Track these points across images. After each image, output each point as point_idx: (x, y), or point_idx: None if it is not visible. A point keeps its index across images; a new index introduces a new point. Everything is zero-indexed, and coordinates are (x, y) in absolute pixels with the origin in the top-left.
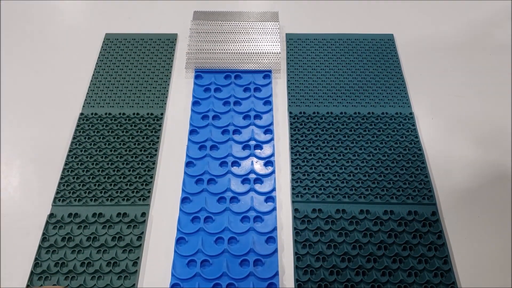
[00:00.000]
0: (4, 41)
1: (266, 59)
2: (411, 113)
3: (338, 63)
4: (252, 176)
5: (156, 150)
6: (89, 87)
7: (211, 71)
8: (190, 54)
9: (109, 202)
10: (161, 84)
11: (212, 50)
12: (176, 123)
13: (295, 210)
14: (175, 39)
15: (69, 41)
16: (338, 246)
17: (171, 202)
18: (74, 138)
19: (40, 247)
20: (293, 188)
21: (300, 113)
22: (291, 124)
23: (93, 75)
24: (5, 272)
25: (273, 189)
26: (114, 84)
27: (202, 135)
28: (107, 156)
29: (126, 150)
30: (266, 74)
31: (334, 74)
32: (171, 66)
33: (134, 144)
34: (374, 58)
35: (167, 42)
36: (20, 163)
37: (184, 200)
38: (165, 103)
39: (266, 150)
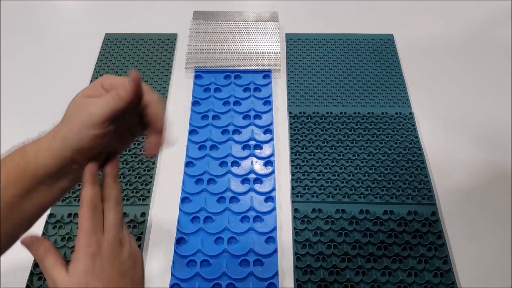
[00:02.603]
0: (4, 41)
1: (266, 59)
2: (411, 113)
3: (338, 63)
4: (252, 176)
5: None
6: None
7: (211, 71)
8: (190, 54)
9: None
10: (161, 84)
11: (212, 50)
12: (176, 123)
13: (295, 210)
14: (175, 39)
15: (69, 41)
16: (338, 246)
17: (171, 202)
18: None
19: None
20: (292, 188)
21: (300, 113)
22: (291, 124)
23: (93, 75)
24: (5, 272)
25: (273, 189)
26: None
27: (202, 135)
28: None
29: (125, 150)
30: (266, 74)
31: (333, 74)
32: (171, 66)
33: (134, 144)
34: (374, 58)
35: (167, 42)
36: None
37: (184, 200)
38: (165, 103)
39: (266, 150)
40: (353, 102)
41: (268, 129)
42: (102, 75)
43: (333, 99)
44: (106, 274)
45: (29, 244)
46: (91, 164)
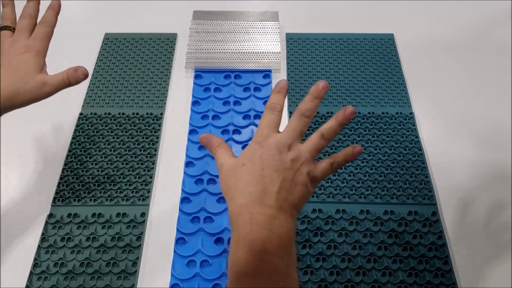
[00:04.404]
0: None
1: (266, 59)
2: (411, 113)
3: (338, 63)
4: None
5: (155, 150)
6: (89, 87)
7: (211, 71)
8: (190, 54)
9: (109, 202)
10: (160, 84)
11: (212, 49)
12: (175, 123)
13: None
14: (175, 39)
15: (68, 41)
16: (338, 246)
17: (170, 202)
18: (73, 138)
19: (39, 247)
20: None
21: None
22: None
23: (93, 74)
24: (5, 272)
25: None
26: (113, 84)
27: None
28: (107, 156)
29: (125, 150)
30: (266, 73)
31: (334, 74)
32: (170, 66)
33: (134, 144)
34: (374, 58)
35: (167, 42)
36: (20, 163)
37: (183, 200)
38: (165, 103)
39: None
40: (353, 102)
41: None
42: (101, 75)
43: (333, 99)
44: (262, 160)
45: (205, 139)
46: (284, 81)
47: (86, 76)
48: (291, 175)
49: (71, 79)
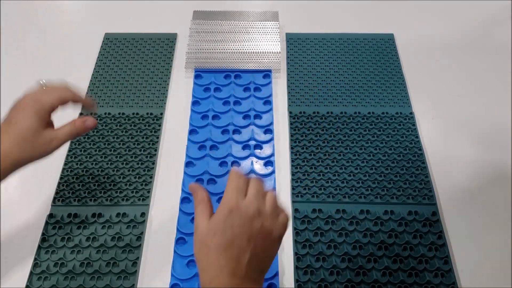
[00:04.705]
0: (4, 41)
1: (266, 59)
2: (411, 113)
3: (338, 63)
4: (252, 176)
5: (155, 150)
6: (89, 86)
7: (211, 71)
8: (189, 54)
9: (109, 202)
10: (160, 84)
11: (212, 49)
12: (175, 123)
13: (295, 210)
14: (175, 39)
15: (69, 41)
16: (338, 246)
17: (170, 202)
18: None
19: (39, 247)
20: (293, 188)
21: (300, 112)
22: (291, 124)
23: (93, 74)
24: (5, 272)
25: (273, 189)
26: (113, 84)
27: (201, 135)
28: (107, 156)
29: (125, 150)
30: (266, 73)
31: (334, 73)
32: (170, 66)
33: (134, 144)
34: (374, 58)
35: (167, 42)
36: None
37: (184, 200)
38: (165, 103)
39: (266, 150)
40: (353, 102)
41: (268, 129)
42: (102, 75)
43: (333, 98)
44: (232, 229)
45: (192, 190)
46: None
47: (95, 125)
48: (261, 241)
49: (79, 131)
